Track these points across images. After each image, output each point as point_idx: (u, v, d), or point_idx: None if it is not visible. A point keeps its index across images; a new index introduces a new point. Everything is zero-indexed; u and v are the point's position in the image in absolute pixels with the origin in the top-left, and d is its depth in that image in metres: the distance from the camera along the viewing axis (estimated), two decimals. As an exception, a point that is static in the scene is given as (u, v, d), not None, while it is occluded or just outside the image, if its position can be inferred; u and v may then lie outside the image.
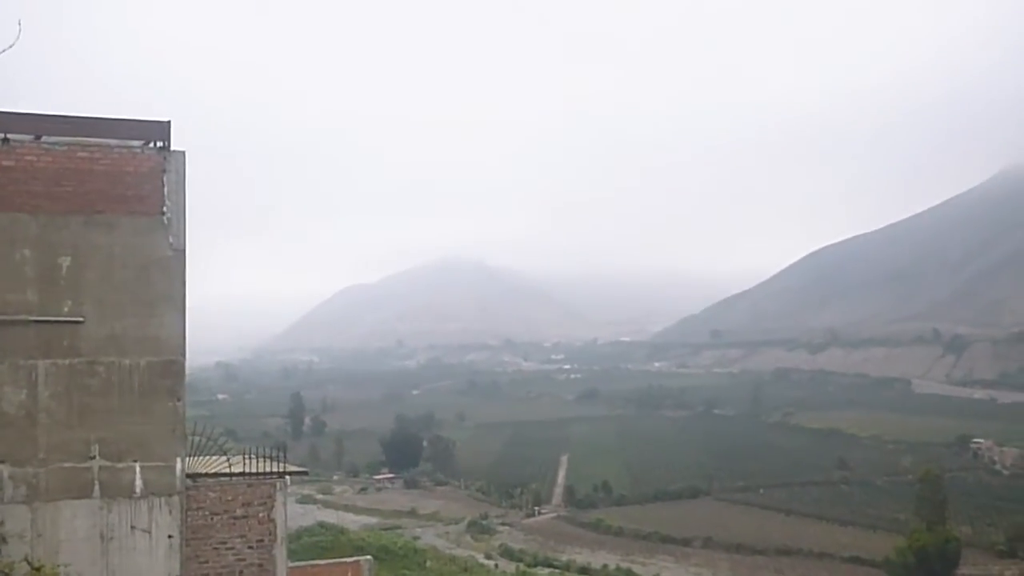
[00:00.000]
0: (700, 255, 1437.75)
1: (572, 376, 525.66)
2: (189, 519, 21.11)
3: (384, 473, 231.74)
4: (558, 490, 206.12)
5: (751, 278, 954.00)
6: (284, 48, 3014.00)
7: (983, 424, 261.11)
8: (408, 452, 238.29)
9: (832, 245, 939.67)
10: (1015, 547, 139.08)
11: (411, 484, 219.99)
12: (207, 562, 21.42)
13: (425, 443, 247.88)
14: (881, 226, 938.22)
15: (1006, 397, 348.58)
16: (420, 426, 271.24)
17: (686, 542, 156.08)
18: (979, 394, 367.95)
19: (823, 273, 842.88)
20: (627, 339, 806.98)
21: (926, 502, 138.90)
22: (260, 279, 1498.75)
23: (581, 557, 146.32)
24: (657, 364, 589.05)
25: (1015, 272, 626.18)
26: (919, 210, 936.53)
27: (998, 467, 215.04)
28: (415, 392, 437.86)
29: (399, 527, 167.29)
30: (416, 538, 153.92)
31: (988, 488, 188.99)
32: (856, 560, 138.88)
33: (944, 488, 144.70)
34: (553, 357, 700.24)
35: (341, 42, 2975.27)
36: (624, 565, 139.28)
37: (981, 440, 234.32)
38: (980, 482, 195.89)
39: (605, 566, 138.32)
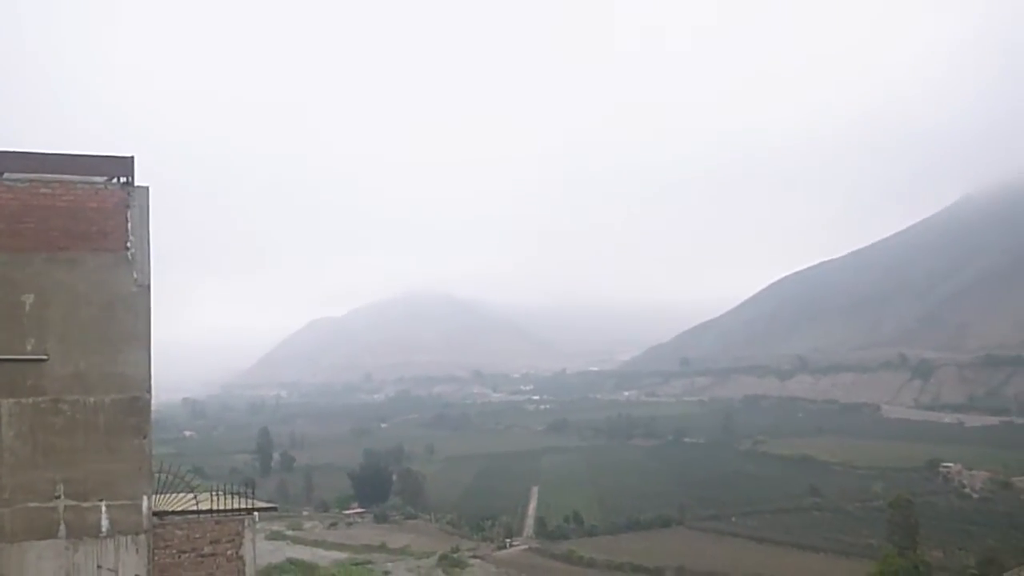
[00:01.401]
0: (668, 284, 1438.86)
1: (541, 407, 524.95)
2: (156, 558, 20.90)
3: (354, 508, 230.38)
4: (529, 522, 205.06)
5: (719, 306, 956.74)
6: (250, 82, 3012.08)
7: (952, 448, 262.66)
8: (377, 486, 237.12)
9: (798, 272, 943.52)
10: (986, 571, 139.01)
11: (381, 518, 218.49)
12: (175, 601, 21.18)
13: (394, 477, 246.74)
14: (846, 253, 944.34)
15: (974, 421, 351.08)
16: (389, 459, 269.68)
17: (658, 572, 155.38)
18: (947, 418, 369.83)
19: (790, 300, 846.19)
20: (595, 369, 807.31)
21: (897, 527, 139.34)
22: (226, 314, 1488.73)
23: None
24: (626, 393, 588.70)
25: (980, 297, 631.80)
26: (884, 236, 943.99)
27: (968, 491, 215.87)
28: (384, 425, 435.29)
29: (370, 562, 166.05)
30: (387, 573, 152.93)
31: (958, 512, 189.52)
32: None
33: (915, 513, 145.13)
34: (522, 388, 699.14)
35: (306, 76, 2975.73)
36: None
37: (950, 464, 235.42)
38: (950, 506, 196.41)
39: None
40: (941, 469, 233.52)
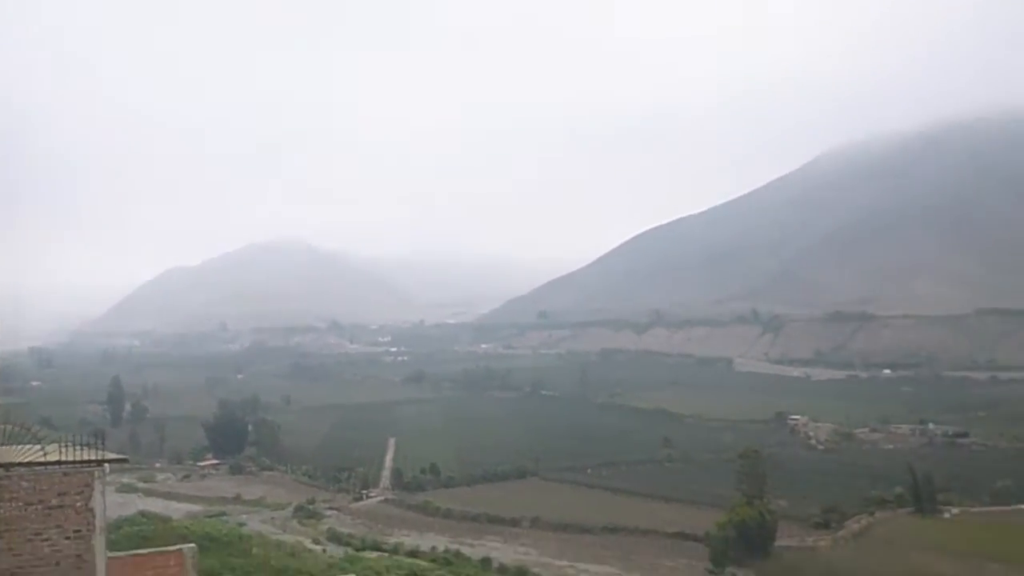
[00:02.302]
0: (531, 241, 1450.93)
1: (399, 358, 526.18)
2: (1, 510, 20.24)
3: (208, 459, 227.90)
4: (386, 473, 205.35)
5: (579, 261, 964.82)
6: (104, 31, 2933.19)
7: (799, 401, 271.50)
8: (233, 437, 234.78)
9: (656, 228, 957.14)
10: (829, 519, 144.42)
11: (236, 470, 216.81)
12: (21, 554, 20.59)
13: (250, 428, 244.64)
14: (704, 209, 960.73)
15: (820, 375, 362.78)
16: (245, 410, 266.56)
17: (514, 522, 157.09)
18: (795, 372, 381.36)
19: (648, 255, 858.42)
20: (453, 321, 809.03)
21: (746, 477, 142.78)
22: (78, 263, 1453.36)
23: (410, 540, 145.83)
24: (484, 346, 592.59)
25: (830, 254, 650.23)
26: (741, 193, 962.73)
27: (813, 442, 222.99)
28: (239, 376, 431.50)
29: (224, 514, 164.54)
30: (242, 524, 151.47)
31: (804, 462, 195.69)
32: (680, 535, 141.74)
33: (763, 463, 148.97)
34: (380, 339, 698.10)
35: (166, 21, 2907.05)
36: (453, 547, 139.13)
37: (797, 417, 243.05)
38: (797, 457, 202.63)
39: (434, 548, 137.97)
40: (789, 421, 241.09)
